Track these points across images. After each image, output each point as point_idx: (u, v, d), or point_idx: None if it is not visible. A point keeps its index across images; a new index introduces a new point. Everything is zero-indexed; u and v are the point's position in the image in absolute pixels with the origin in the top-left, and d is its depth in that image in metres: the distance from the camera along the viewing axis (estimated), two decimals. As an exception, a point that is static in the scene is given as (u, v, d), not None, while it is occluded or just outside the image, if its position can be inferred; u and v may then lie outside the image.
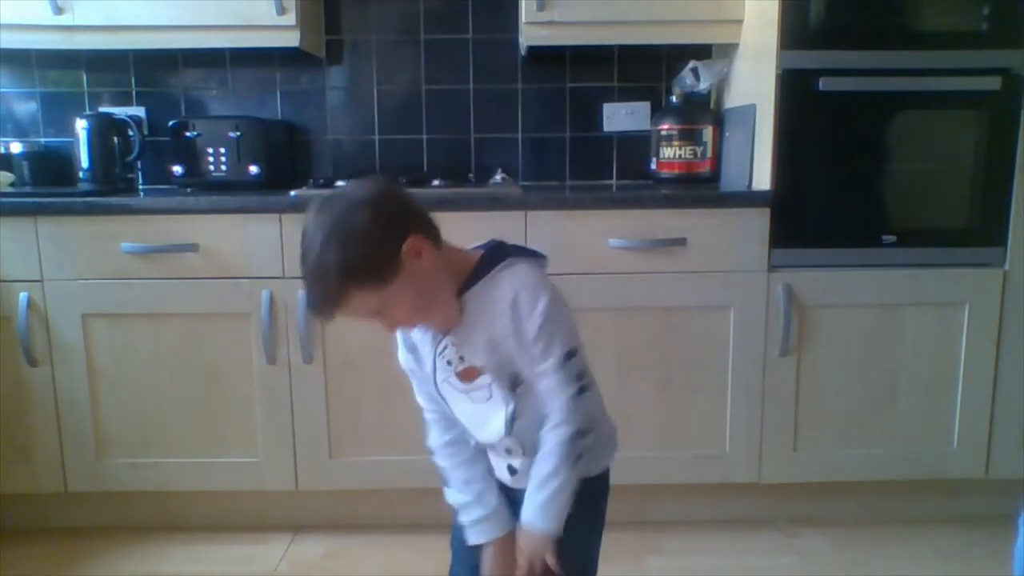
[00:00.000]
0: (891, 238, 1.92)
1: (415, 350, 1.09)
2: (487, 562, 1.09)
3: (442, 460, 1.14)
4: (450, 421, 1.12)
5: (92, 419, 1.94)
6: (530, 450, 1.04)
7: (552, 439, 1.00)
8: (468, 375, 1.02)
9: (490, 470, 1.13)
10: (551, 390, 1.00)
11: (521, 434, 1.04)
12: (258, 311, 1.88)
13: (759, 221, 1.88)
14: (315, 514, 2.06)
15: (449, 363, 1.03)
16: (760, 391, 1.95)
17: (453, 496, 1.13)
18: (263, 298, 1.87)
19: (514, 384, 1.01)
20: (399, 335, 1.11)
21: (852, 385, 1.96)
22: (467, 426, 1.05)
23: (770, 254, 1.89)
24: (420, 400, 1.15)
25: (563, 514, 1.01)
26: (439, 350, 1.04)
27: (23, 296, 1.87)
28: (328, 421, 1.94)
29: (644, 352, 1.92)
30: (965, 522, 2.02)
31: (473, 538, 1.11)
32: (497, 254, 1.02)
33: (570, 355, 0.99)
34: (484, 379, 1.01)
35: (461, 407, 1.03)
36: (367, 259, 0.89)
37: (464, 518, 1.12)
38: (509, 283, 0.99)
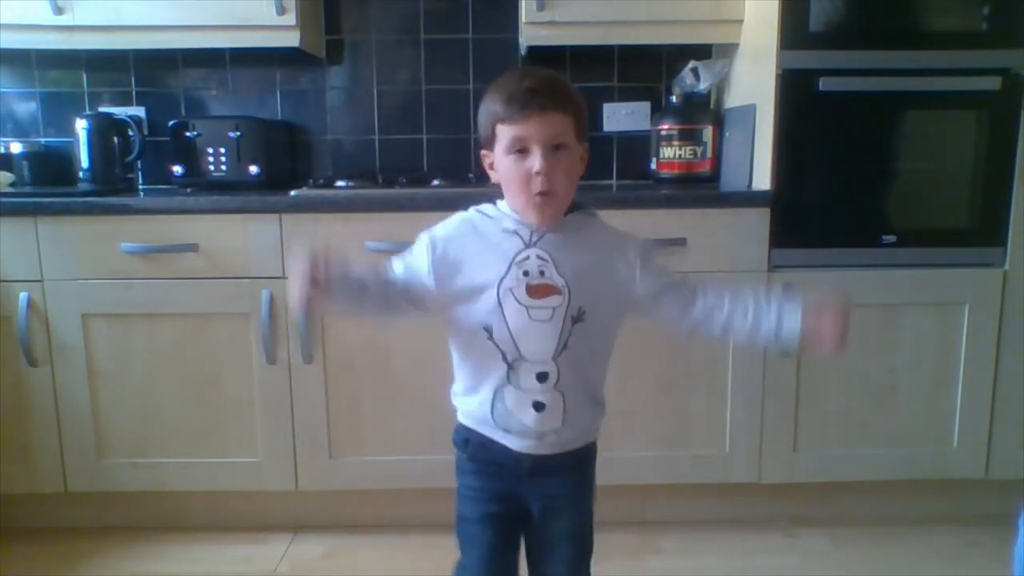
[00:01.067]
0: (891, 238, 1.92)
1: (478, 243, 1.11)
2: None
3: (379, 274, 1.12)
4: (402, 290, 1.11)
5: (92, 419, 1.94)
6: (563, 387, 1.08)
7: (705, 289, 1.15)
8: (539, 291, 1.06)
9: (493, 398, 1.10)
10: (681, 284, 1.16)
11: (563, 364, 1.07)
12: (258, 311, 1.88)
13: (759, 221, 1.88)
14: (315, 514, 2.06)
15: (526, 273, 1.06)
16: (760, 391, 1.95)
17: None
18: (263, 298, 1.87)
19: (576, 317, 1.07)
20: (439, 236, 1.14)
21: (852, 385, 1.96)
22: (515, 337, 1.07)
23: (770, 254, 1.89)
24: (398, 265, 1.13)
25: None
26: (518, 258, 1.07)
27: (23, 296, 1.87)
28: (328, 421, 1.94)
29: (644, 352, 1.92)
30: (965, 522, 2.02)
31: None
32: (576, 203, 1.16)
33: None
34: (552, 300, 1.06)
35: (516, 319, 1.06)
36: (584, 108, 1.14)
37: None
38: (607, 225, 1.17)
